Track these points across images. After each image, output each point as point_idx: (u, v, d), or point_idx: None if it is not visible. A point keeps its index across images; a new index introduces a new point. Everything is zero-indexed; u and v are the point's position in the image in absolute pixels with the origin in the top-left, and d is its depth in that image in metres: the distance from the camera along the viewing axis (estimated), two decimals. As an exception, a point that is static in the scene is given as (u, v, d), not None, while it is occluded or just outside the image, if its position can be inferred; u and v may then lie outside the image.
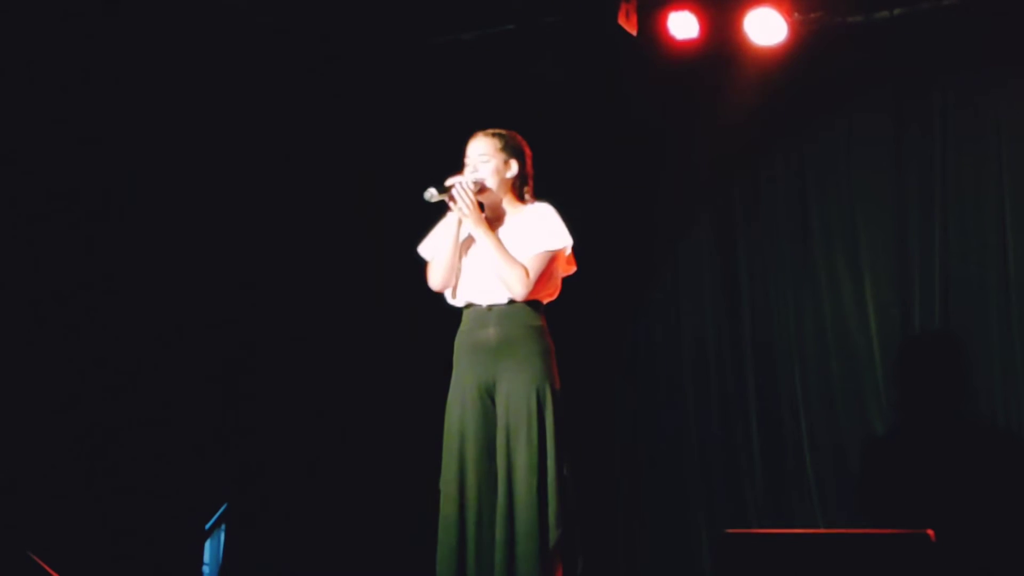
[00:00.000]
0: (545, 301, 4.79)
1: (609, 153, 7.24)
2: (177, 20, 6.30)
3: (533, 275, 4.67)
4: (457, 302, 4.83)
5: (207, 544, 6.75)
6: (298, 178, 6.92)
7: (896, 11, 6.59)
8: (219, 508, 6.76)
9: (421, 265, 4.91)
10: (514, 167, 4.81)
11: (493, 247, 4.66)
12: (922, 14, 6.57)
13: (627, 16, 6.54)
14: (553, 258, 4.73)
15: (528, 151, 4.88)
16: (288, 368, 6.87)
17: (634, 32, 6.62)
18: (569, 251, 4.81)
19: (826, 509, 6.73)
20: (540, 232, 4.72)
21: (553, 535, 4.54)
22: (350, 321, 6.94)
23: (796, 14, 6.61)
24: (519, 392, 4.61)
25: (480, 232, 4.67)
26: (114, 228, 6.14)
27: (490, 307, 4.72)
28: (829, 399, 6.86)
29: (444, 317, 4.93)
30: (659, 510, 7.09)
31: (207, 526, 6.72)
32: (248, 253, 6.73)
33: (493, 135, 4.83)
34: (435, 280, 4.79)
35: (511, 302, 4.70)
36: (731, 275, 7.19)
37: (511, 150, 4.82)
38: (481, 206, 4.81)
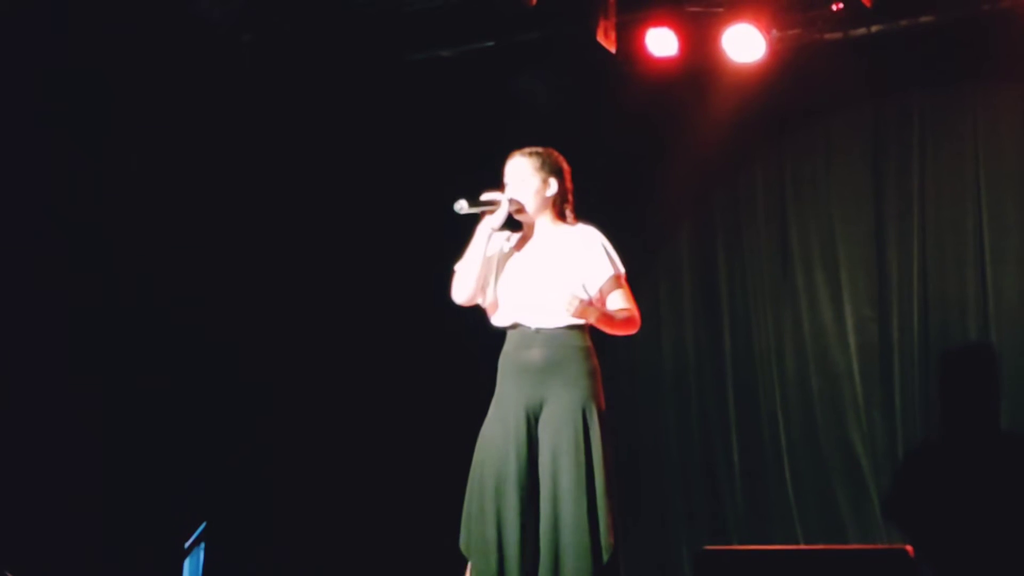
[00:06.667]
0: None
1: (588, 168, 7.24)
2: (159, 37, 6.32)
3: (633, 304, 4.70)
4: (502, 323, 4.73)
5: (186, 562, 6.73)
6: (286, 191, 6.92)
7: (874, 28, 6.61)
8: (198, 526, 6.74)
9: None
10: (554, 185, 4.72)
11: (605, 317, 4.63)
12: (900, 32, 6.60)
13: (606, 33, 6.54)
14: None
15: (566, 167, 4.80)
16: (293, 382, 6.88)
17: (613, 49, 6.62)
18: None
19: (805, 525, 6.73)
20: (608, 260, 4.71)
21: (606, 554, 4.48)
22: (363, 336, 6.97)
23: (774, 31, 6.62)
24: (566, 413, 4.53)
25: (594, 316, 4.58)
26: (120, 232, 6.18)
27: (538, 330, 4.64)
28: (809, 413, 6.87)
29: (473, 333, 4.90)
30: (638, 526, 7.07)
31: (186, 544, 6.70)
32: (237, 260, 6.73)
33: (530, 154, 4.74)
34: (460, 294, 4.70)
35: (559, 324, 4.63)
36: (711, 290, 7.21)
37: (549, 168, 4.73)
38: (519, 225, 4.77)
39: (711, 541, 6.67)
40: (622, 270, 4.74)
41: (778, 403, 6.94)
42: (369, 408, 6.95)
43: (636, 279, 7.22)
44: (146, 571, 6.33)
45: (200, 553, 6.76)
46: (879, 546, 6.20)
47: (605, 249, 4.72)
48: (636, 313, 4.70)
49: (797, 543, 6.63)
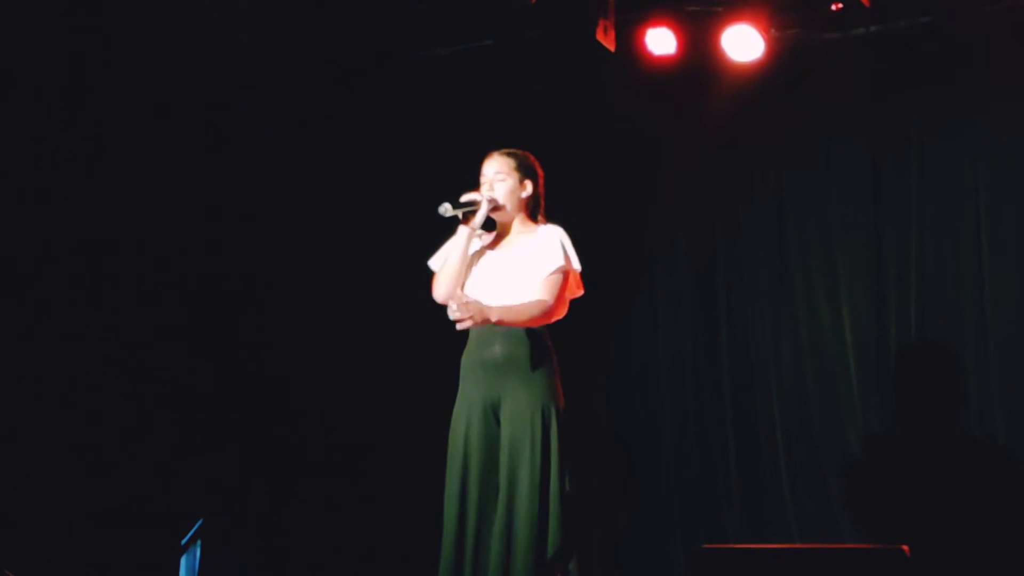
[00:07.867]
0: (551, 321, 4.72)
1: (586, 169, 7.25)
2: (160, 32, 6.33)
3: (551, 298, 4.63)
4: None
5: (183, 560, 6.73)
6: (283, 190, 6.92)
7: (872, 28, 6.62)
8: (195, 524, 6.74)
9: (423, 277, 4.87)
10: (528, 187, 4.80)
11: (504, 314, 4.56)
12: (898, 32, 6.61)
13: (605, 32, 6.54)
14: (566, 278, 4.71)
15: (541, 172, 4.86)
16: (284, 380, 6.87)
17: (612, 48, 6.63)
18: (578, 273, 4.78)
19: (802, 524, 6.74)
20: (551, 253, 4.68)
21: (551, 551, 4.51)
22: (347, 333, 6.95)
23: (773, 31, 6.62)
24: (523, 410, 4.57)
25: (494, 316, 4.53)
26: (117, 231, 6.18)
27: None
28: (806, 414, 6.88)
29: (449, 330, 4.90)
30: (636, 524, 7.09)
31: (183, 541, 6.70)
32: (232, 258, 6.73)
33: (508, 154, 4.82)
34: (440, 292, 4.74)
35: None
36: (708, 291, 7.22)
37: (525, 170, 4.81)
38: (494, 224, 4.81)
39: (708, 539, 6.68)
40: (575, 266, 4.71)
41: (775, 402, 6.95)
42: (364, 406, 6.95)
43: (633, 279, 7.30)
44: (143, 569, 6.33)
45: (196, 551, 6.76)
46: (875, 545, 6.20)
47: (561, 243, 4.72)
48: (550, 301, 4.62)
49: (793, 542, 6.64)
